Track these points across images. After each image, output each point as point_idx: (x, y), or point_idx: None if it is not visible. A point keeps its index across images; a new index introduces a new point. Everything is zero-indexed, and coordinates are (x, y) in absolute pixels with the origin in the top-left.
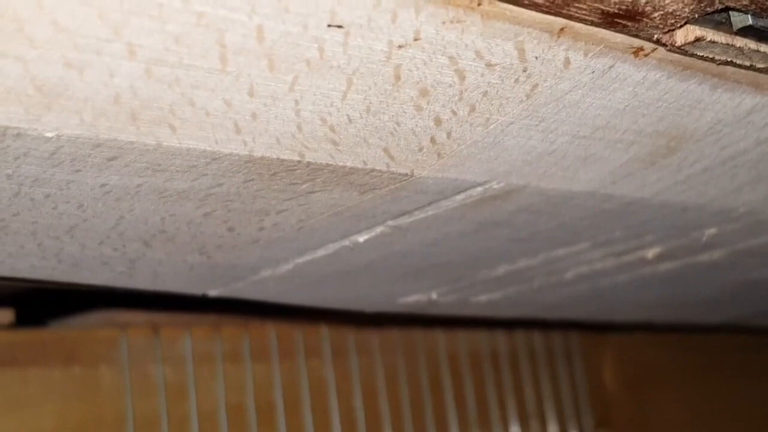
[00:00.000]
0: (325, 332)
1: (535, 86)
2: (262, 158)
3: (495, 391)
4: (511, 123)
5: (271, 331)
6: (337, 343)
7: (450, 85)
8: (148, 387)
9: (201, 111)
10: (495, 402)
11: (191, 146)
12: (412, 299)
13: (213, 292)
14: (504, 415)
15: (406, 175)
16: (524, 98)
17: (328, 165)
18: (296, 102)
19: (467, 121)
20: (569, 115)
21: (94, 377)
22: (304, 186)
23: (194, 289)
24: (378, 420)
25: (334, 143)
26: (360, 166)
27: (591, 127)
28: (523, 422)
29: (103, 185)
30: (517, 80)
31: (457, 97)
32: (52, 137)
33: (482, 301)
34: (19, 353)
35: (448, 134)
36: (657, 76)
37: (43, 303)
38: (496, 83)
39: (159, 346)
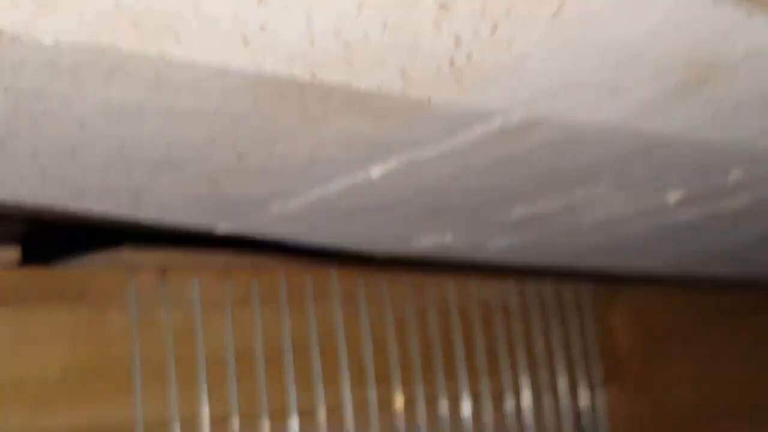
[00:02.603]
0: (334, 278)
1: (562, 4)
2: (272, 76)
3: (505, 341)
4: (536, 46)
5: (280, 275)
6: (347, 288)
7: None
8: (156, 330)
9: (207, 20)
10: (505, 353)
11: (196, 60)
12: (425, 242)
13: (222, 227)
14: (514, 366)
15: (423, 101)
16: (550, 17)
17: (341, 86)
18: (309, 13)
19: (489, 43)
20: (597, 39)
21: (101, 318)
22: (315, 110)
23: (202, 223)
24: (386, 367)
25: (348, 62)
26: (374, 89)
27: (619, 54)
28: (533, 374)
29: (105, 101)
30: None
31: (479, 14)
32: (50, 44)
33: (497, 246)
34: (25, 292)
35: (468, 57)
36: None
37: (50, 242)
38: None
39: (167, 289)
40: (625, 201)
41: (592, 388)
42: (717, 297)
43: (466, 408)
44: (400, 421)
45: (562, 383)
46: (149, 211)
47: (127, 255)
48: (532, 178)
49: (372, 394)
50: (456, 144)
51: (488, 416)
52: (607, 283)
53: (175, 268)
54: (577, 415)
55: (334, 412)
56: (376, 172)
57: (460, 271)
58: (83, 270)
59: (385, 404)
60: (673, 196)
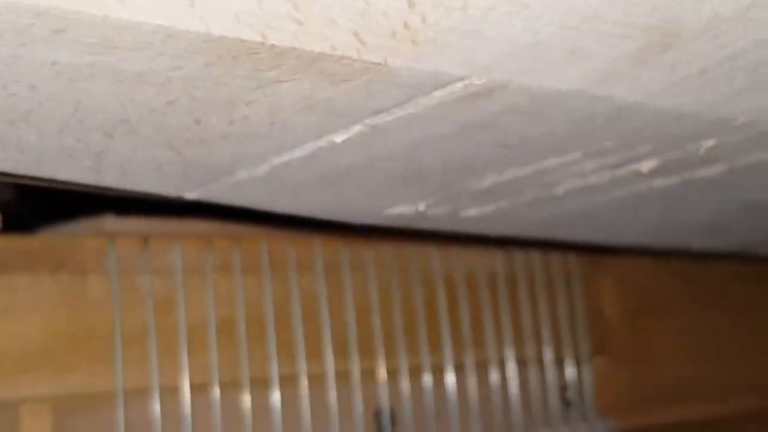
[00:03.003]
0: (317, 246)
1: None
2: (221, 37)
3: (491, 312)
4: (492, 8)
5: (262, 243)
6: (330, 257)
7: None
8: (137, 297)
9: None
10: (491, 324)
11: (142, 20)
12: (399, 210)
13: (190, 195)
14: (499, 337)
15: (380, 64)
16: None
17: (293, 48)
18: None
19: (443, 4)
20: (554, 2)
21: (82, 286)
22: (270, 73)
23: (169, 190)
24: (370, 337)
25: (299, 23)
26: (329, 51)
27: (578, 17)
28: (519, 345)
29: (53, 63)
30: None
31: None
32: None
33: (473, 215)
34: (6, 259)
35: (423, 18)
36: None
37: (31, 210)
38: None
39: (148, 256)
40: (598, 169)
41: (578, 359)
42: (708, 268)
43: (450, 379)
44: (384, 392)
45: (549, 354)
46: (112, 178)
47: (108, 223)
48: (500, 146)
49: (355, 365)
50: (417, 110)
51: (473, 388)
52: (595, 253)
53: (157, 236)
54: (564, 387)
55: (317, 382)
56: (339, 138)
57: (446, 241)
58: (64, 237)
59: (368, 374)
60: (646, 165)
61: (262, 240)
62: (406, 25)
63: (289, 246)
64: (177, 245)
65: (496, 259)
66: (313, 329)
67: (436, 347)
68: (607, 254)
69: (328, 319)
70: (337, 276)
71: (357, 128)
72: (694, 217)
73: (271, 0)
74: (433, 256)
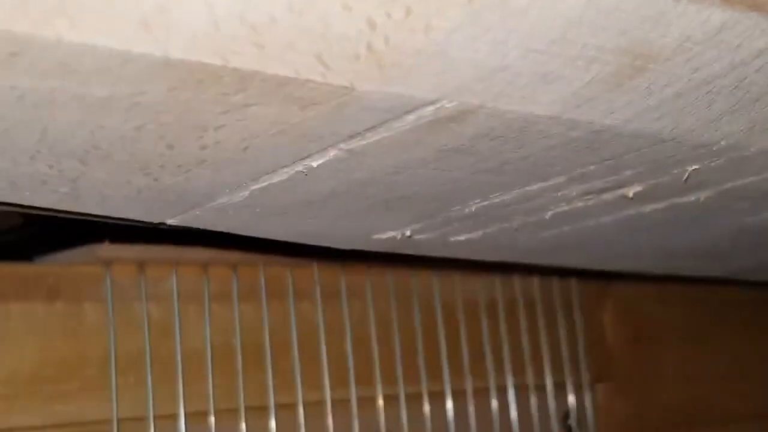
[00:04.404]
0: (316, 273)
1: None
2: (181, 61)
3: (490, 339)
4: (455, 31)
5: (260, 270)
6: (329, 285)
7: None
8: (133, 325)
9: (99, 1)
10: (490, 350)
11: (97, 43)
12: (386, 235)
13: (172, 221)
14: (499, 364)
15: (347, 87)
16: (465, 2)
17: (257, 72)
18: None
19: (405, 26)
20: (518, 25)
21: (77, 313)
22: (236, 97)
23: (150, 217)
24: (369, 364)
25: (260, 46)
26: (293, 75)
27: (545, 41)
28: (519, 372)
29: (13, 87)
30: None
31: None
32: None
33: (462, 239)
34: (1, 287)
35: (386, 41)
36: None
37: (27, 238)
38: None
39: (144, 283)
40: (583, 194)
41: (579, 386)
42: (709, 294)
43: (450, 406)
44: (382, 420)
45: (549, 381)
46: (91, 205)
47: (104, 250)
48: (481, 172)
49: (353, 392)
50: (391, 133)
51: (472, 415)
52: (596, 279)
53: (153, 263)
54: (565, 414)
55: (315, 409)
56: (316, 162)
57: (445, 267)
58: (59, 265)
59: (367, 402)
60: (632, 190)
61: (260, 267)
62: (369, 48)
63: (288, 272)
64: (173, 272)
65: (496, 286)
66: (311, 356)
67: (435, 374)
68: (608, 280)
69: (326, 346)
70: (336, 303)
71: (333, 153)
72: (689, 243)
73: (228, 22)
74: (433, 282)
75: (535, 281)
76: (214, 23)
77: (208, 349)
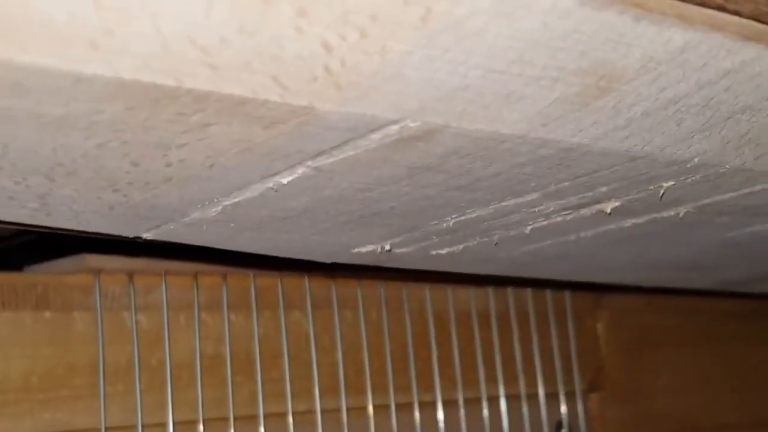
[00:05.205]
0: (306, 284)
1: (429, 9)
2: (134, 81)
3: (483, 349)
4: (411, 52)
5: (250, 280)
6: (320, 295)
7: (329, 5)
8: (122, 334)
9: (45, 22)
10: (482, 361)
11: (47, 65)
12: (366, 249)
13: (147, 235)
14: (492, 374)
15: (307, 107)
16: (419, 23)
17: (212, 92)
18: (154, 17)
19: (361, 49)
20: (476, 46)
21: (66, 323)
22: (195, 117)
23: (125, 231)
24: (360, 374)
25: (213, 67)
26: (250, 95)
27: (504, 61)
28: (512, 382)
29: None
30: (406, 2)
31: (342, 20)
32: None
33: (443, 254)
34: None
35: (343, 62)
36: (568, 3)
37: (16, 249)
38: (384, 4)
39: (134, 293)
40: (560, 210)
41: (572, 396)
42: (702, 305)
43: (441, 417)
44: (372, 430)
45: (542, 391)
46: (64, 220)
47: (93, 260)
48: (454, 189)
49: (343, 402)
50: (358, 152)
51: (464, 425)
52: (589, 290)
53: (143, 273)
54: (557, 424)
55: (305, 419)
56: (285, 179)
57: (437, 278)
58: (48, 274)
59: (358, 412)
60: (609, 206)
61: (251, 277)
62: (327, 70)
63: (278, 283)
64: (162, 281)
65: (489, 296)
66: (302, 366)
67: (426, 384)
68: (601, 291)
69: (316, 357)
70: (327, 313)
71: (301, 170)
72: (674, 257)
73: (177, 45)
74: (425, 292)
75: (529, 292)
76: (163, 45)
77: (198, 358)
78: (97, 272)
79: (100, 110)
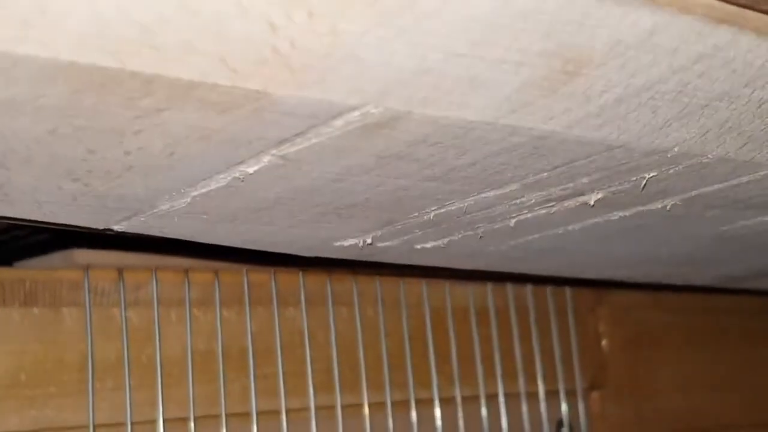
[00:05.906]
0: (300, 279)
1: None
2: (73, 63)
3: (481, 346)
4: (365, 33)
5: (243, 276)
6: (314, 290)
7: None
8: (111, 330)
9: None
10: (481, 358)
11: None
12: (347, 243)
13: (117, 227)
14: (491, 371)
15: (260, 92)
16: (371, 2)
17: (158, 75)
18: None
19: (310, 29)
20: (433, 27)
21: (54, 319)
22: (144, 102)
23: (94, 223)
24: (355, 371)
25: (156, 48)
26: (198, 78)
27: (464, 43)
28: (511, 379)
29: None
30: None
31: None
32: None
33: (429, 248)
34: None
35: (292, 44)
36: None
37: (8, 244)
38: None
39: (123, 288)
40: (543, 202)
41: (573, 394)
42: (704, 301)
43: (438, 415)
44: (368, 428)
45: (542, 389)
46: (27, 211)
47: (82, 255)
48: (428, 179)
49: (338, 399)
50: (322, 139)
51: (462, 423)
52: (591, 286)
53: (133, 268)
54: (558, 422)
55: (298, 416)
56: (251, 168)
57: (435, 274)
58: (37, 270)
59: (353, 409)
60: (592, 198)
61: (243, 273)
62: (276, 51)
63: (271, 279)
64: (153, 277)
65: (488, 292)
66: (296, 363)
67: (423, 381)
68: (603, 287)
69: (310, 353)
70: (322, 309)
71: (267, 158)
72: (668, 251)
73: (115, 22)
74: (422, 288)
75: (529, 288)
76: (98, 23)
77: (189, 354)
78: (87, 268)
79: (44, 94)
